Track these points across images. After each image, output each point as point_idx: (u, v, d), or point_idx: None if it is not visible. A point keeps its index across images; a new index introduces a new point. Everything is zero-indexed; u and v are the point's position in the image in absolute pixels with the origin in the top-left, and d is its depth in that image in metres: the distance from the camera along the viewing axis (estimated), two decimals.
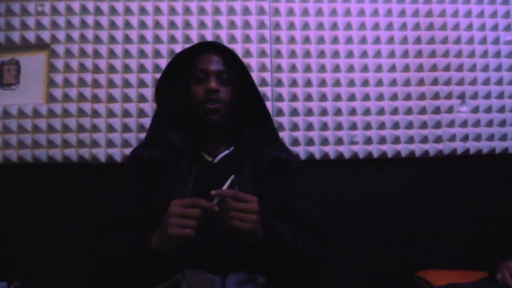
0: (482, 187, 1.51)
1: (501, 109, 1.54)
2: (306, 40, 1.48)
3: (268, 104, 1.42)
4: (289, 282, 0.99)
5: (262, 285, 0.94)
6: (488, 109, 1.53)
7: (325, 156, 1.45)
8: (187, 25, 1.46)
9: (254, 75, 1.42)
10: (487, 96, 1.53)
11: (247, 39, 1.46)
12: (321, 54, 1.48)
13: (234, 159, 1.06)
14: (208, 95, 1.01)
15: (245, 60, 1.41)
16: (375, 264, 1.43)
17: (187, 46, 1.09)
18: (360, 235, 1.44)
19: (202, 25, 1.46)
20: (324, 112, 1.46)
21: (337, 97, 1.47)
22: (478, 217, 1.48)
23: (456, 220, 1.48)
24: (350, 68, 1.48)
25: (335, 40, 1.49)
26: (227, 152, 1.08)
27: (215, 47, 1.07)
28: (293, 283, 0.99)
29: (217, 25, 1.46)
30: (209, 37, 1.45)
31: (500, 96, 1.54)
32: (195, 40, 1.44)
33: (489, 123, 1.53)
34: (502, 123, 1.53)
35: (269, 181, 1.02)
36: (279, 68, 1.46)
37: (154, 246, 0.81)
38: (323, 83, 1.46)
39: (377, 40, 1.50)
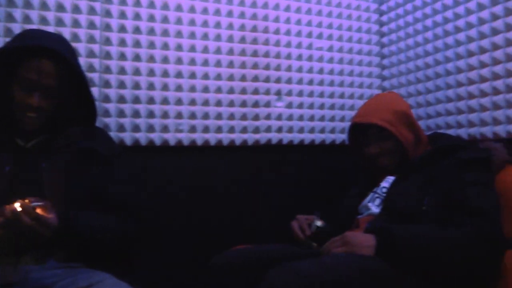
0: (293, 172, 1.96)
1: (311, 106, 2.01)
2: (137, 30, 1.74)
3: (95, 90, 1.65)
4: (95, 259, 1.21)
5: (62, 258, 1.17)
6: (300, 105, 1.99)
7: (150, 142, 1.73)
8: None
9: (82, 60, 1.63)
10: (300, 94, 1.99)
11: (75, 23, 1.66)
12: (151, 45, 1.75)
13: (46, 147, 1.25)
14: (29, 108, 1.18)
15: (73, 45, 1.60)
16: (197, 244, 1.76)
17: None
18: (181, 217, 1.76)
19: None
20: (151, 100, 1.74)
21: (165, 87, 1.76)
22: (289, 197, 1.92)
23: (274, 198, 1.91)
24: (179, 61, 1.79)
25: (165, 32, 1.78)
26: (40, 138, 1.27)
27: (49, 52, 1.15)
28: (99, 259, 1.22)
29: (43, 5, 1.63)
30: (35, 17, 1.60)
31: (311, 94, 2.01)
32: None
33: (300, 118, 1.99)
34: (311, 118, 2.01)
35: (83, 169, 1.25)
36: (108, 55, 1.69)
37: None
38: (151, 72, 1.74)
39: (205, 36, 1.84)
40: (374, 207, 1.46)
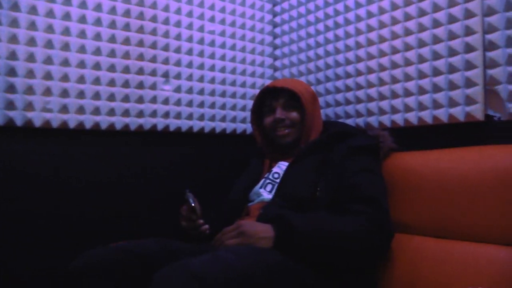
0: (180, 161, 1.83)
1: (201, 92, 1.90)
2: None
3: None
4: None
5: None
6: (190, 90, 1.87)
7: (9, 122, 1.47)
8: None
9: None
10: (190, 78, 1.87)
11: None
12: (15, 6, 1.49)
13: None
14: None
15: None
16: (69, 237, 1.53)
17: None
18: (46, 212, 1.52)
19: None
20: (12, 72, 1.48)
21: (30, 58, 1.51)
22: (177, 188, 1.78)
23: (158, 190, 1.76)
24: (49, 28, 1.55)
25: None
26: None
27: None
28: None
29: None
30: None
31: (201, 79, 1.91)
32: None
33: (190, 103, 1.86)
34: (201, 105, 1.90)
35: None
36: None
37: None
38: (13, 39, 1.49)
39: (83, 4, 1.63)
40: (266, 193, 1.41)
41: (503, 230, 1.16)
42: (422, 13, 1.52)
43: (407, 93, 1.58)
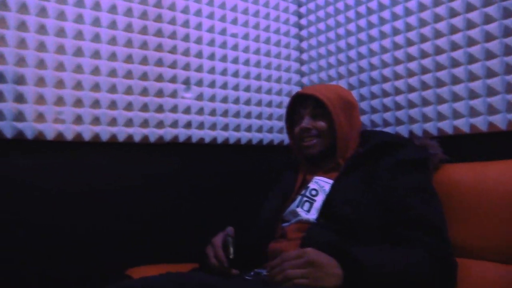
0: (204, 176, 1.69)
1: (225, 99, 1.76)
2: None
3: None
4: None
5: None
6: (212, 98, 1.72)
7: (19, 134, 1.33)
8: None
9: None
10: (212, 85, 1.73)
11: None
12: (23, 8, 1.37)
13: None
14: None
15: None
16: (82, 262, 1.39)
17: None
18: (55, 230, 1.38)
19: None
20: (21, 80, 1.34)
21: (41, 64, 1.38)
22: (202, 206, 1.64)
23: (183, 208, 1.63)
24: (61, 32, 1.43)
25: None
26: None
27: None
28: None
29: None
30: None
31: (224, 86, 1.76)
32: None
33: (213, 112, 1.72)
34: (225, 113, 1.75)
35: None
36: None
37: None
38: (22, 43, 1.35)
39: (97, 6, 1.50)
40: (304, 213, 1.26)
41: None
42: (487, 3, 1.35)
43: (456, 97, 1.42)
